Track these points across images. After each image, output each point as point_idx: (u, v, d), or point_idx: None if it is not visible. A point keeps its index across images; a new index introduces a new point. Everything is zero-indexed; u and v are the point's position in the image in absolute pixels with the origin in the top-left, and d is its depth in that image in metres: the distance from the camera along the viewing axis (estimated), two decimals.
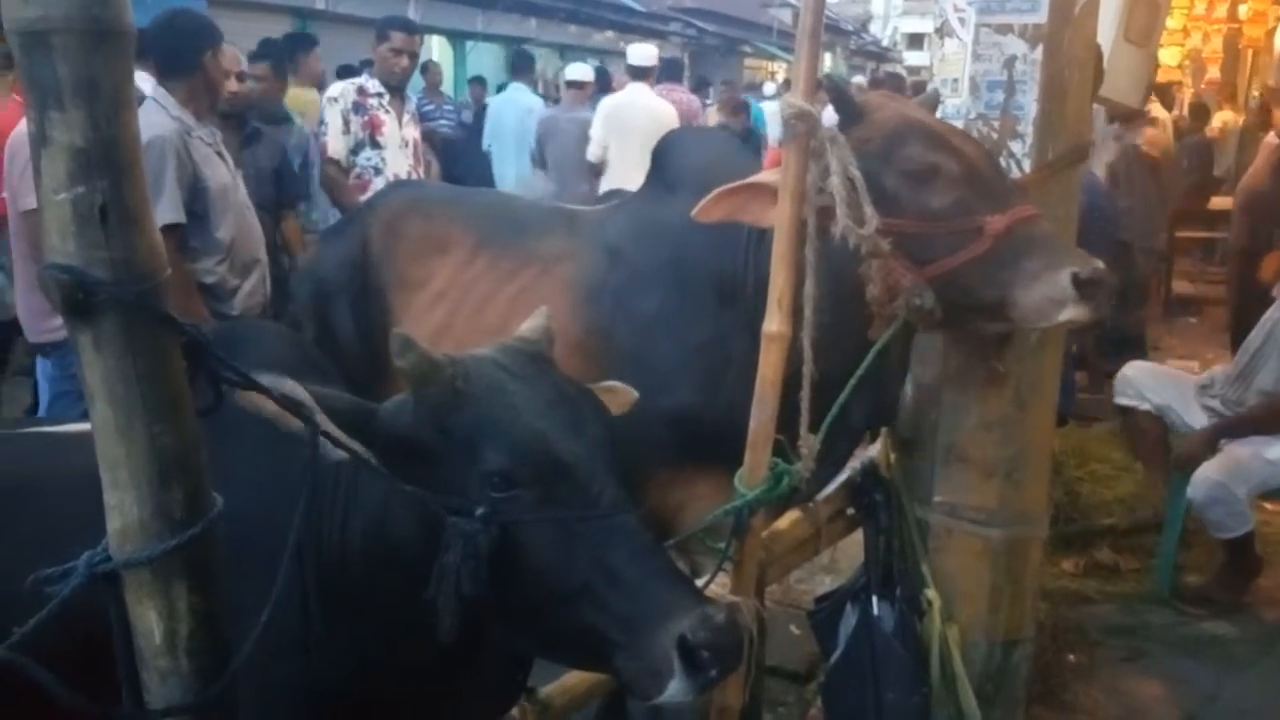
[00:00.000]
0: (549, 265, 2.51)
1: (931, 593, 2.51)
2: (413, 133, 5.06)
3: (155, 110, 3.45)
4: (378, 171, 4.86)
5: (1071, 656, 3.41)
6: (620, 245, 2.46)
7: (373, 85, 4.96)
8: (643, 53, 7.16)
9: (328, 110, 5.01)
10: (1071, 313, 1.95)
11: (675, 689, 1.27)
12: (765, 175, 2.10)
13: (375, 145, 4.89)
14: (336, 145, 4.90)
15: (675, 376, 2.29)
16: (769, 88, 16.20)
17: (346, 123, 4.88)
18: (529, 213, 2.85)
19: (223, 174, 3.58)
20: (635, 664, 1.29)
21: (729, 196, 2.09)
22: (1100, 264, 1.97)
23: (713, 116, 9.92)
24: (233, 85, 4.54)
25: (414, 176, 4.89)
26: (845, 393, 2.07)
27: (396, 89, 4.98)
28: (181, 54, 3.58)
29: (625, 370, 2.26)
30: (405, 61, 4.98)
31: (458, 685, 1.57)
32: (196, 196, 3.44)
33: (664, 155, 2.56)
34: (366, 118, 4.89)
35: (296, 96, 5.98)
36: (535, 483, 1.35)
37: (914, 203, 2.03)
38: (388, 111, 4.92)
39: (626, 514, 1.37)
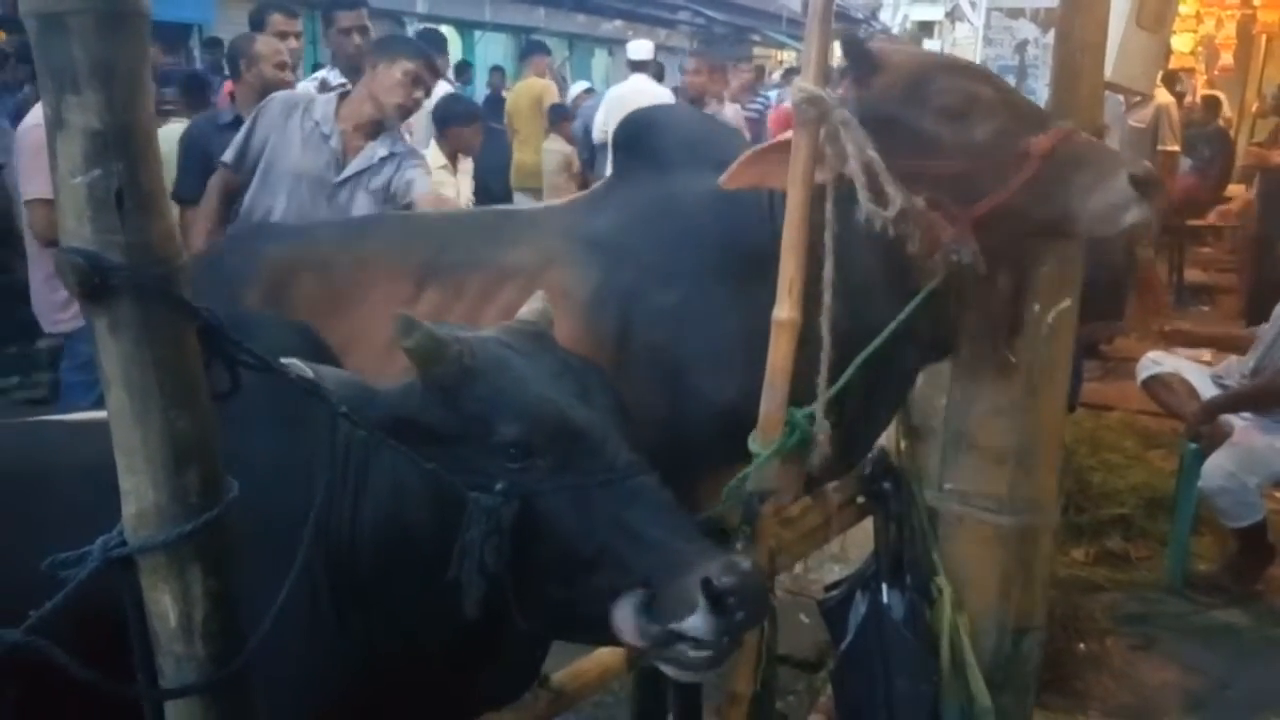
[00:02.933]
0: (533, 277, 2.21)
1: (942, 581, 2.50)
2: None
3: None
4: None
5: (1082, 645, 3.41)
6: (620, 237, 2.24)
7: (334, 77, 4.65)
8: (641, 47, 8.26)
9: None
10: (1136, 214, 1.92)
11: (695, 623, 1.24)
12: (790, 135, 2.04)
13: None
14: None
15: (714, 371, 2.14)
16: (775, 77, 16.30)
17: None
18: (474, 223, 2.51)
19: (309, 161, 3.40)
20: (657, 610, 1.27)
21: (759, 160, 2.01)
22: (1146, 162, 1.97)
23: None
24: (287, 75, 4.44)
25: None
26: (872, 347, 2.02)
27: (359, 70, 4.43)
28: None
29: (654, 373, 2.12)
30: (358, 39, 4.57)
31: (475, 670, 1.57)
32: (254, 161, 3.42)
33: (648, 134, 2.38)
34: None
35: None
36: (550, 449, 1.35)
37: (955, 139, 1.96)
38: None
39: (643, 475, 1.37)
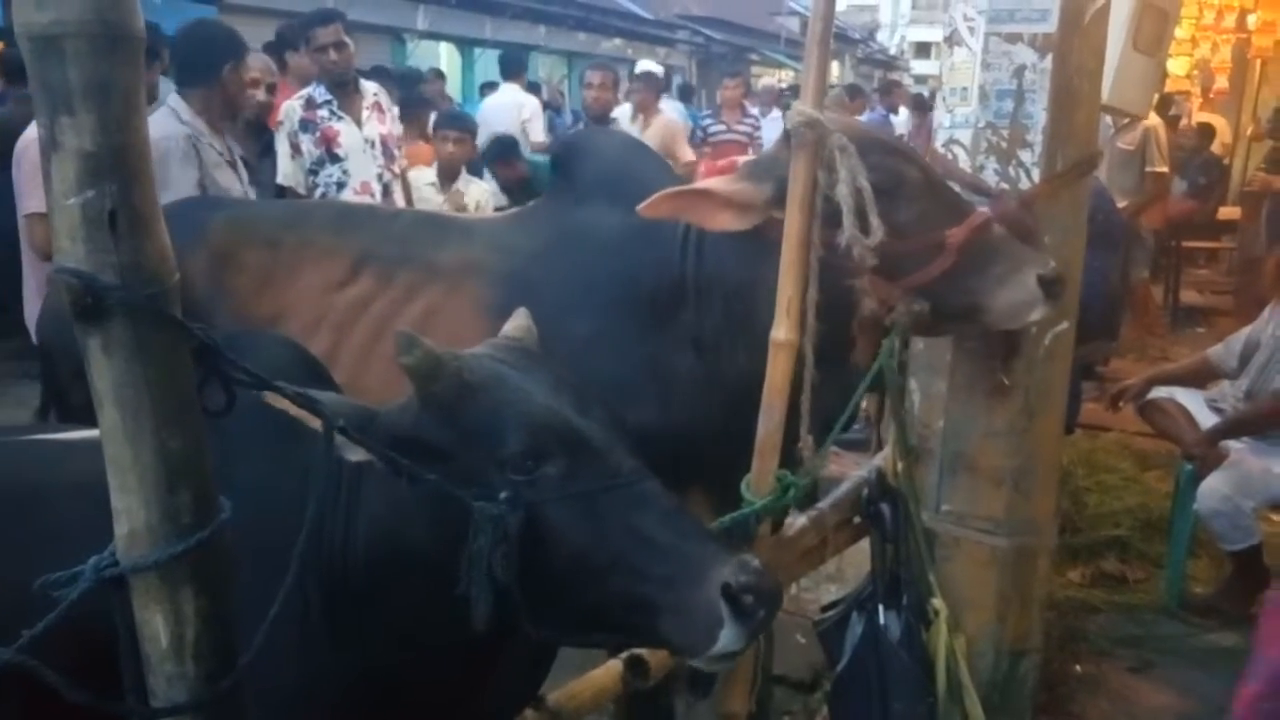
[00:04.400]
0: (456, 281, 2.30)
1: (938, 602, 2.50)
2: (379, 128, 4.69)
3: (167, 115, 3.57)
4: (341, 186, 4.55)
5: (1078, 667, 3.40)
6: (536, 259, 2.28)
7: (320, 94, 4.57)
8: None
9: (276, 136, 4.68)
10: (1040, 311, 2.01)
11: (727, 637, 1.28)
12: (714, 182, 2.09)
13: (334, 158, 4.56)
14: (287, 171, 4.57)
15: (618, 402, 2.15)
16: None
17: (295, 145, 4.53)
18: (417, 222, 2.59)
19: (232, 184, 3.62)
20: (683, 622, 1.31)
21: (676, 198, 2.04)
22: (1053, 262, 2.02)
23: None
24: (260, 95, 4.57)
25: (386, 177, 4.64)
26: (855, 399, 2.07)
27: (343, 85, 4.62)
28: (199, 64, 3.66)
29: None
30: (334, 55, 4.56)
31: (474, 686, 1.57)
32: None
33: (580, 159, 2.41)
34: (318, 133, 4.55)
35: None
36: (557, 457, 1.35)
37: (881, 216, 1.97)
38: (340, 118, 4.57)
39: (649, 481, 1.39)
